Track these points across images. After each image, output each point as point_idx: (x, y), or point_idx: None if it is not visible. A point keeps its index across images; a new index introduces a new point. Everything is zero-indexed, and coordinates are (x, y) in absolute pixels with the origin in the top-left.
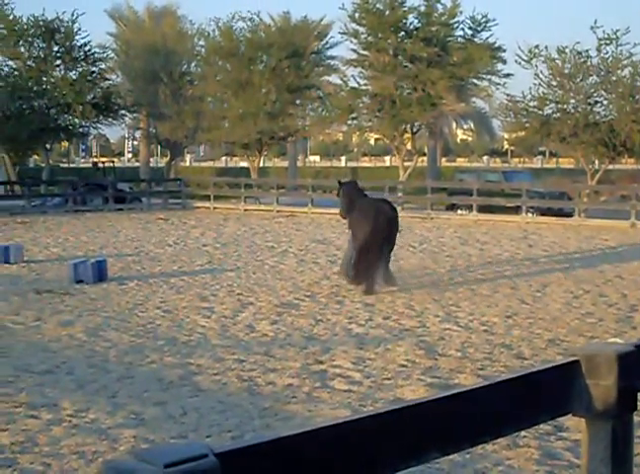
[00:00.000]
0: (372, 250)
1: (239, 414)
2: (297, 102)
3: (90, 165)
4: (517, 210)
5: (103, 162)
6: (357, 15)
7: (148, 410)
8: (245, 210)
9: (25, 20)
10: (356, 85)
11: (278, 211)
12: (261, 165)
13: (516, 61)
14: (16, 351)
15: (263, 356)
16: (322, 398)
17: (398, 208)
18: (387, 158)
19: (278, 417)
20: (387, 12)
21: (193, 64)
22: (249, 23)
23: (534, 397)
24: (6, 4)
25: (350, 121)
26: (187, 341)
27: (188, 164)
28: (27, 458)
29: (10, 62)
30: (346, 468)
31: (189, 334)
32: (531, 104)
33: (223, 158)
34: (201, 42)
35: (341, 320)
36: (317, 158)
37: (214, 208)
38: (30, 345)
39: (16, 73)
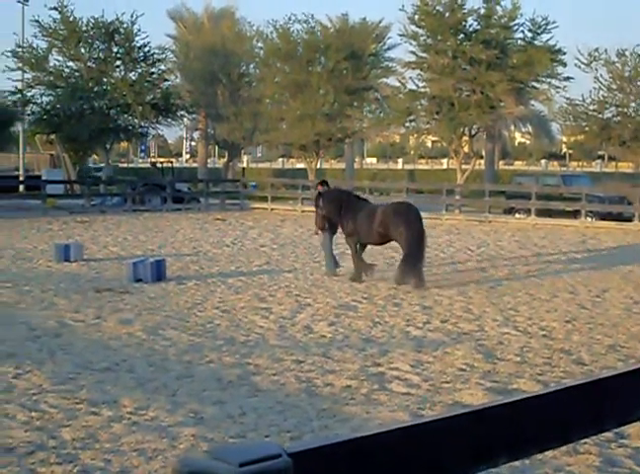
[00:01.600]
0: (415, 247)
1: (297, 414)
2: (355, 104)
3: (149, 165)
4: (575, 215)
5: (161, 162)
6: (416, 17)
7: (207, 409)
8: (302, 212)
9: (85, 21)
10: (414, 87)
11: None
12: (318, 167)
13: (575, 65)
14: (77, 348)
15: (321, 358)
16: (380, 400)
17: (456, 211)
18: (444, 161)
19: (336, 418)
20: (447, 14)
21: (251, 66)
22: (305, 25)
23: (603, 403)
24: (66, 6)
25: (407, 124)
26: (245, 341)
27: (245, 165)
28: (88, 454)
29: (71, 63)
30: (417, 470)
31: (247, 334)
32: (591, 107)
33: (280, 159)
34: (260, 44)
35: (399, 322)
36: (374, 160)
37: (272, 209)
38: (90, 342)
39: (77, 74)
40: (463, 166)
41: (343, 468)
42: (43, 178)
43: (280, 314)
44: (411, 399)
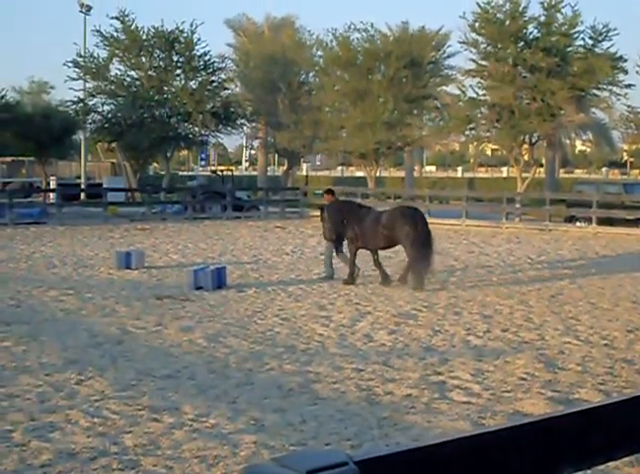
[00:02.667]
0: (422, 249)
1: (358, 423)
2: (415, 112)
3: (209, 173)
4: (637, 223)
5: (222, 170)
6: (476, 24)
7: (268, 416)
8: None
9: (146, 31)
10: (474, 95)
11: None
12: (377, 175)
13: (637, 72)
14: (138, 355)
15: (381, 366)
16: (441, 409)
17: (516, 220)
18: (504, 169)
19: (396, 427)
20: (508, 22)
21: (311, 74)
22: (364, 33)
23: None
24: (127, 15)
25: (467, 132)
26: (305, 349)
27: (304, 173)
28: (150, 461)
29: (132, 72)
30: None
31: (307, 342)
32: None
33: (339, 167)
34: (320, 53)
35: (459, 331)
36: (433, 168)
37: None
38: (151, 349)
39: (138, 83)
40: (523, 174)
41: None
42: (105, 186)
43: (340, 322)
44: (472, 408)
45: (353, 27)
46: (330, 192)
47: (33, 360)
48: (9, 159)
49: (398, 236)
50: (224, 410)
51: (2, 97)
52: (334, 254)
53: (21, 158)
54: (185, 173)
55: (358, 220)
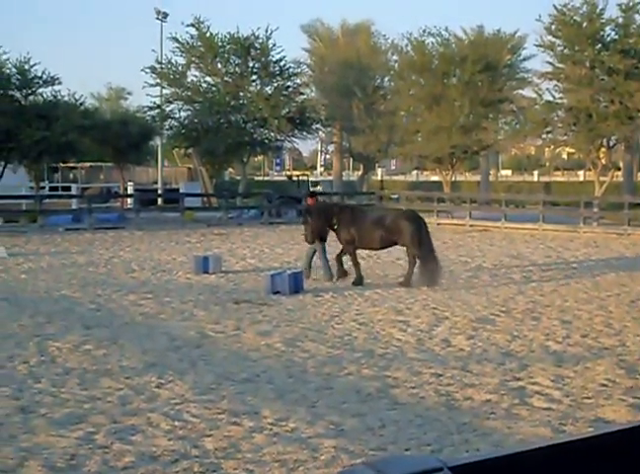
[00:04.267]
0: (427, 250)
1: (437, 428)
2: (491, 116)
3: (284, 178)
4: None
5: (297, 175)
6: (553, 27)
7: (347, 421)
8: (437, 224)
9: (221, 37)
10: (551, 98)
11: (470, 226)
12: (453, 179)
13: None
14: (217, 358)
15: (460, 371)
16: (521, 415)
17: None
18: (581, 173)
19: (476, 432)
20: (585, 24)
21: (386, 79)
22: (439, 37)
23: None
24: (203, 22)
25: (544, 135)
26: (383, 353)
27: (379, 177)
28: (230, 464)
29: (208, 78)
30: None
31: (385, 347)
32: None
33: (414, 172)
34: (395, 57)
35: (538, 336)
36: (509, 172)
37: None
38: (230, 353)
39: (214, 89)
40: (601, 178)
41: None
42: (182, 191)
43: (418, 327)
44: (552, 414)
45: (427, 31)
46: (313, 195)
47: (113, 364)
48: (87, 165)
49: (403, 238)
50: (303, 414)
51: (81, 104)
52: (317, 255)
53: (99, 164)
54: (260, 178)
55: (353, 221)
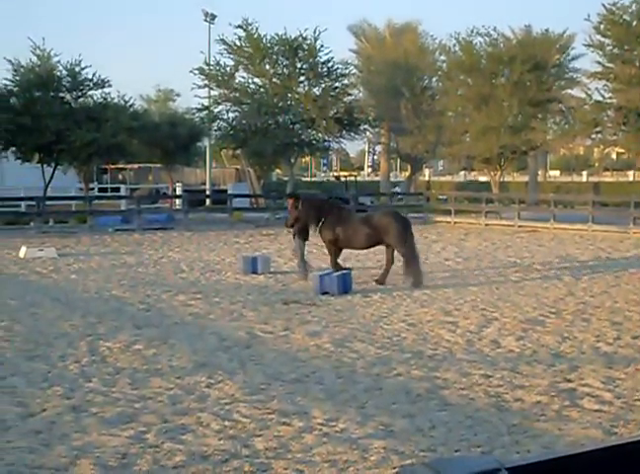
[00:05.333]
0: (411, 250)
1: (487, 429)
2: (539, 116)
3: (332, 179)
4: None
5: (345, 176)
6: (602, 26)
7: (397, 422)
8: (486, 225)
9: (269, 38)
10: (600, 98)
11: (519, 226)
12: (501, 179)
13: None
14: (266, 359)
15: (510, 373)
16: (572, 417)
17: None
18: (630, 173)
19: (527, 434)
20: (634, 23)
21: (434, 79)
22: (487, 37)
23: None
24: (251, 24)
25: (593, 135)
26: (432, 354)
27: (427, 178)
28: (280, 464)
29: (256, 80)
30: None
31: (434, 347)
32: None
33: (462, 172)
34: (443, 57)
35: (588, 338)
36: (557, 173)
37: (455, 223)
38: (279, 353)
39: (262, 90)
40: None
41: None
42: (230, 192)
43: (467, 328)
44: (603, 416)
45: (475, 31)
46: (292, 196)
47: (163, 363)
48: (136, 166)
49: (389, 237)
50: (353, 415)
51: (130, 105)
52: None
53: (148, 165)
54: (307, 179)
55: (338, 221)
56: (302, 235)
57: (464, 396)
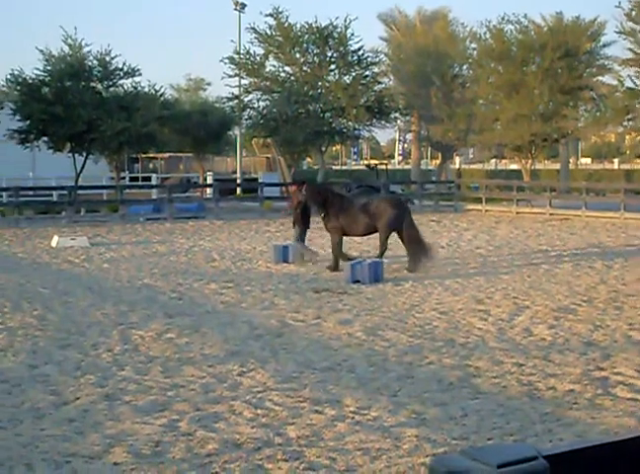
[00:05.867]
0: (413, 236)
1: (520, 418)
2: (570, 103)
3: (362, 167)
4: None
5: (376, 164)
6: (633, 13)
7: (429, 410)
8: (517, 213)
9: (299, 27)
10: (632, 85)
11: (550, 214)
12: (532, 167)
13: None
14: (298, 347)
15: (542, 361)
16: (605, 405)
17: None
18: None
19: (559, 422)
20: None
21: (464, 67)
22: (517, 25)
23: None
24: (281, 12)
25: (625, 123)
26: (464, 343)
27: (457, 166)
28: (313, 452)
29: (286, 68)
30: None
31: (466, 336)
32: None
33: (492, 160)
34: (473, 45)
35: (620, 326)
36: (588, 160)
37: (486, 211)
38: (311, 342)
39: (292, 78)
40: None
41: (600, 471)
42: (260, 180)
43: (499, 316)
44: (637, 405)
45: (506, 18)
46: (296, 182)
47: (196, 352)
48: (167, 155)
49: (380, 221)
50: (385, 403)
51: (161, 95)
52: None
53: (178, 154)
54: (338, 167)
55: (340, 208)
56: (303, 221)
57: (496, 384)
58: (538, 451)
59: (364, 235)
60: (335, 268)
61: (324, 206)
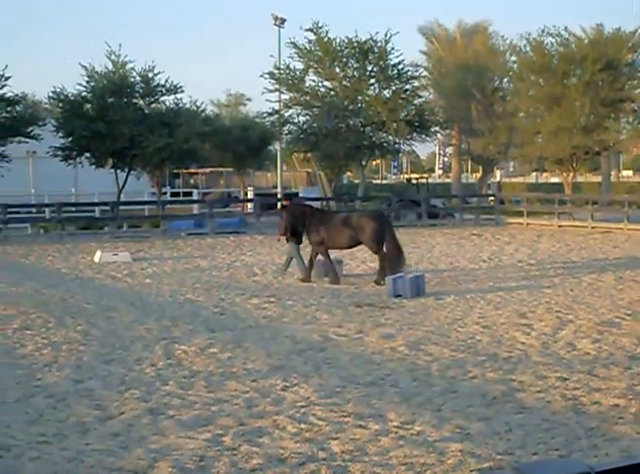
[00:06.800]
0: (392, 246)
1: (565, 433)
2: (612, 115)
3: (403, 181)
4: None
5: (416, 178)
6: None
7: (473, 425)
8: (559, 226)
9: (339, 41)
10: None
11: (592, 227)
12: (573, 180)
13: None
14: (341, 362)
15: (586, 375)
16: None
17: None
18: None
19: (605, 437)
20: None
21: (505, 80)
22: (558, 37)
23: None
24: (321, 27)
25: None
26: (507, 357)
27: (498, 179)
28: (357, 467)
29: (326, 83)
30: None
31: (509, 350)
32: None
33: (533, 173)
34: (513, 58)
35: None
36: (630, 173)
37: (527, 224)
38: (354, 356)
39: (332, 93)
40: None
41: None
42: (301, 195)
43: (542, 330)
44: None
45: (546, 31)
46: (287, 197)
47: (239, 367)
48: (208, 170)
49: (364, 236)
50: (429, 417)
51: (202, 111)
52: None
53: (219, 169)
54: (378, 181)
55: (322, 223)
56: (295, 239)
57: (541, 399)
58: (591, 467)
59: (348, 248)
60: (335, 281)
61: (304, 222)
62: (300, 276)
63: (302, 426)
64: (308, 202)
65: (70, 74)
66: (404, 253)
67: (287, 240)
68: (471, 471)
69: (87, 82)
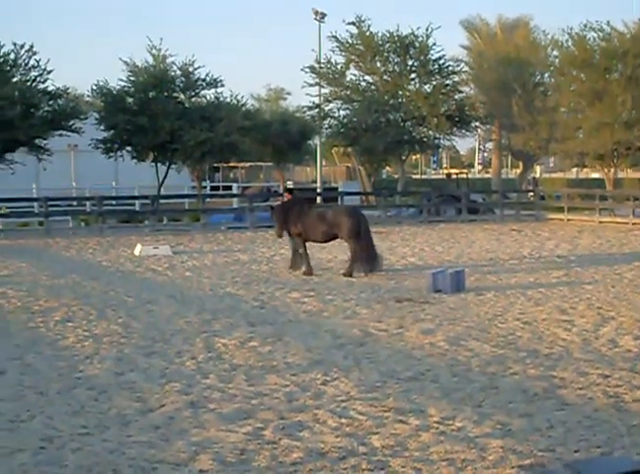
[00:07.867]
0: (366, 242)
1: (607, 430)
2: None
3: (442, 176)
4: None
5: (456, 173)
6: None
7: (514, 421)
8: (600, 222)
9: (380, 36)
10: None
11: (634, 224)
12: (615, 176)
13: None
14: (381, 356)
15: (628, 373)
16: None
17: None
18: None
19: None
20: None
21: (546, 75)
22: (600, 32)
23: None
24: (363, 21)
25: None
26: (548, 353)
27: (538, 175)
28: (398, 462)
29: (367, 77)
30: None
31: (550, 346)
32: None
33: (574, 169)
34: (555, 53)
35: None
36: None
37: (568, 220)
38: (394, 351)
39: (372, 88)
40: None
41: None
42: (340, 190)
43: (583, 327)
44: None
45: (588, 25)
46: (288, 191)
47: (279, 360)
48: (248, 164)
49: (342, 231)
50: (470, 413)
51: (243, 105)
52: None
53: (259, 163)
54: (417, 176)
55: (300, 216)
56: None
57: (582, 396)
58: None
59: (324, 242)
60: (309, 272)
61: (287, 219)
62: (304, 269)
63: (343, 420)
64: (300, 196)
65: (112, 69)
66: (376, 251)
67: (291, 236)
68: (512, 467)
69: (128, 77)
